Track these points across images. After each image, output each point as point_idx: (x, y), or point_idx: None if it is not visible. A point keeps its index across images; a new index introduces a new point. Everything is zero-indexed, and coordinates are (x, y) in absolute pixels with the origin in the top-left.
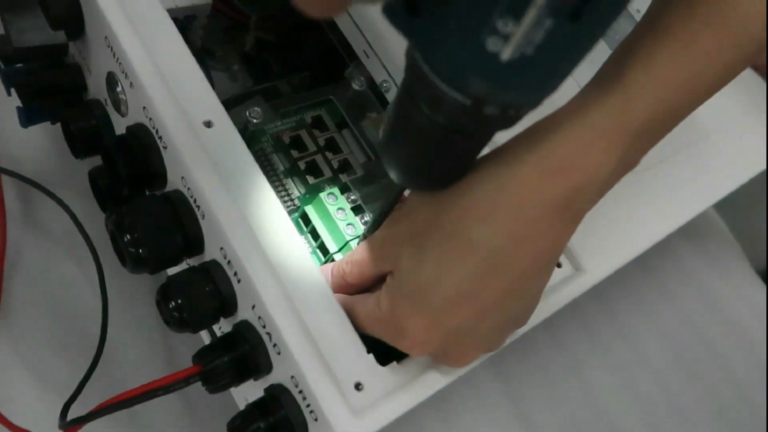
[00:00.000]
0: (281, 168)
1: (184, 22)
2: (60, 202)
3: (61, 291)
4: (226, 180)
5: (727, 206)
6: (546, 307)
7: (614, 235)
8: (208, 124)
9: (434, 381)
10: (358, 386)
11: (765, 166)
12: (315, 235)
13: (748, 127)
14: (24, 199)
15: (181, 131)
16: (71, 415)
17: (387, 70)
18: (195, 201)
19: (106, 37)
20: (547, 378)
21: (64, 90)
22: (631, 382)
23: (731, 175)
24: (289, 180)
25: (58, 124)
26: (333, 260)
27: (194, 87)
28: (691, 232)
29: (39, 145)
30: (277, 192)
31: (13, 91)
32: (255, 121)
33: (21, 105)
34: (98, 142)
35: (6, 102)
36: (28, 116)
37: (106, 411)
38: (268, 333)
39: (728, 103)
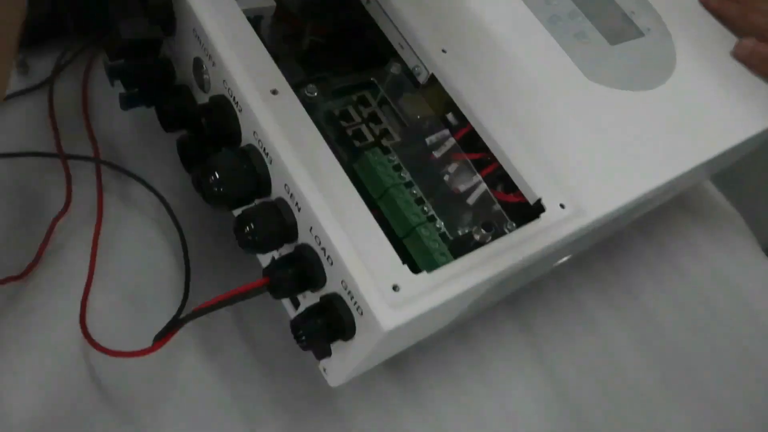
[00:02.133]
0: (332, 138)
1: (253, 20)
2: (148, 186)
3: (149, 252)
4: (289, 133)
5: (732, 187)
6: (544, 239)
7: (614, 177)
8: (274, 92)
9: (454, 287)
10: (395, 288)
11: None
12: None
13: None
14: (119, 180)
15: (253, 97)
16: None
17: (418, 58)
18: (264, 150)
19: (194, 29)
20: (565, 333)
21: (157, 79)
22: (645, 340)
23: (738, 127)
24: (340, 148)
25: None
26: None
27: (263, 64)
28: (698, 212)
29: (129, 136)
30: None
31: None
32: (310, 95)
33: (123, 92)
34: (185, 117)
35: (101, 104)
36: (128, 102)
37: (198, 314)
38: (322, 248)
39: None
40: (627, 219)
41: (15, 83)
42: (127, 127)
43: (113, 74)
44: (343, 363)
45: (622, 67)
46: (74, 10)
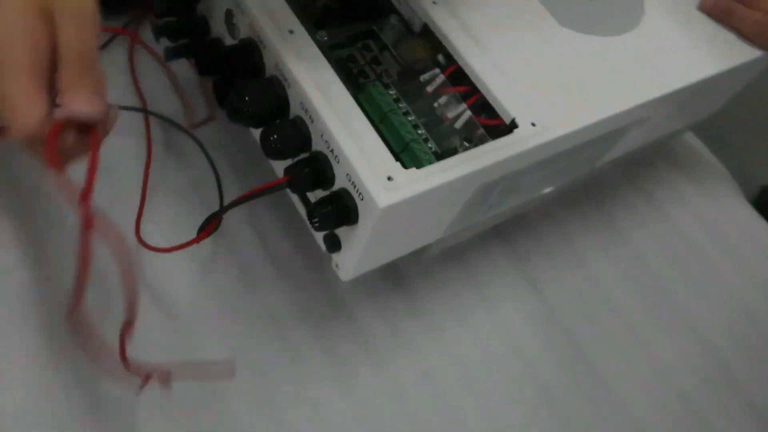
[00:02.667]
0: (341, 77)
1: None
2: (182, 128)
3: (191, 190)
4: (303, 63)
5: (717, 140)
6: (517, 147)
7: (580, 103)
8: (291, 32)
9: (437, 178)
10: (389, 178)
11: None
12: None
13: None
14: (165, 131)
15: (275, 36)
16: None
17: (412, 10)
18: (284, 77)
19: None
20: (555, 264)
21: (195, 32)
22: (629, 273)
23: (698, 67)
24: (347, 85)
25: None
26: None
27: (282, 11)
28: (684, 164)
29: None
30: None
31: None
32: (321, 39)
33: (168, 46)
34: (220, 61)
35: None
36: (172, 53)
37: (232, 205)
38: (331, 150)
39: None
40: (601, 150)
41: None
42: (164, 83)
43: (159, 32)
44: (351, 251)
45: (593, 16)
46: None
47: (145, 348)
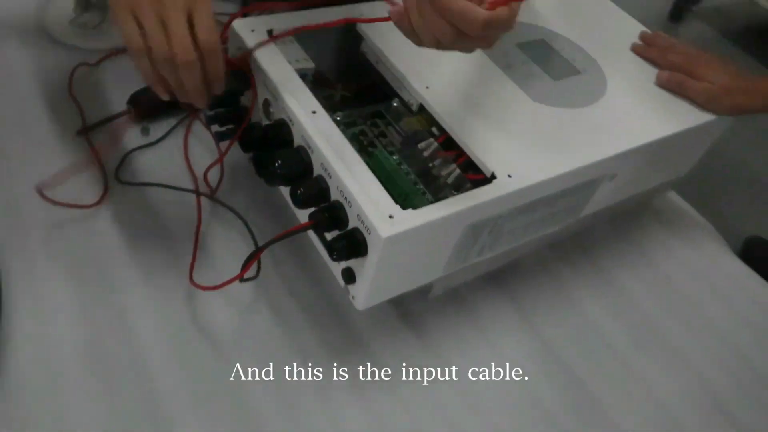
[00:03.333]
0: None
1: (302, 76)
2: (227, 206)
3: (231, 243)
4: (323, 135)
5: (700, 197)
6: (495, 191)
7: (549, 158)
8: (314, 112)
9: (430, 215)
10: (391, 216)
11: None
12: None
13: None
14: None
15: (301, 115)
16: None
17: (411, 94)
18: (309, 146)
19: (263, 81)
20: (549, 305)
21: (239, 118)
22: (621, 313)
23: (654, 128)
24: (360, 155)
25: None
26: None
27: (306, 96)
28: (672, 221)
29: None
30: None
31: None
32: (337, 119)
33: (217, 130)
34: (258, 139)
35: (197, 152)
36: (221, 137)
37: (268, 243)
38: (345, 197)
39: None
40: (578, 201)
41: (139, 141)
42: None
43: (211, 120)
44: (363, 281)
45: (562, 93)
46: None
47: (191, 370)
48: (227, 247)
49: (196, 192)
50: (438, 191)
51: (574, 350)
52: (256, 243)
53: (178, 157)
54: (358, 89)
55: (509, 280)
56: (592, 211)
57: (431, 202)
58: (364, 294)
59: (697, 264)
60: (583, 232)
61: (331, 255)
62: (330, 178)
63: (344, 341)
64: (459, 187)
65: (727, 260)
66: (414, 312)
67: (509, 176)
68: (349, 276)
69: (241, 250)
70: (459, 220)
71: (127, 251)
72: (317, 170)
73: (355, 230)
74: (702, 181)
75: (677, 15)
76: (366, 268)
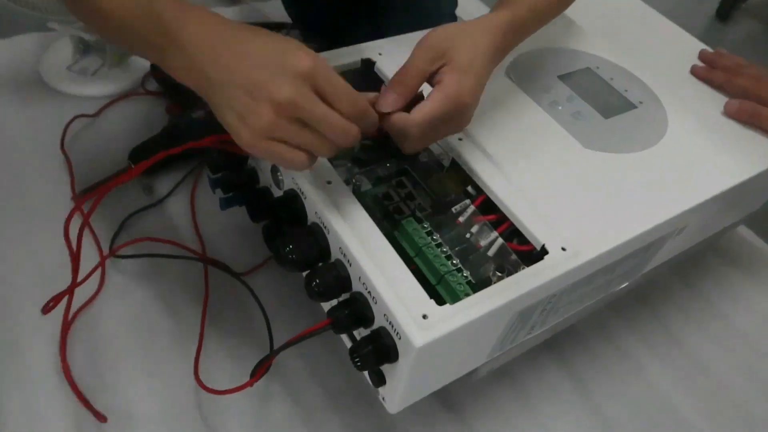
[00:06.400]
0: (378, 215)
1: None
2: (236, 275)
3: (246, 327)
4: (340, 211)
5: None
6: (549, 274)
7: (608, 224)
8: (329, 182)
9: (472, 312)
10: (424, 316)
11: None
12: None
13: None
14: (220, 275)
15: (314, 188)
16: None
17: (440, 146)
18: (324, 225)
19: None
20: (609, 376)
21: (246, 183)
22: (690, 381)
23: (730, 173)
24: (384, 221)
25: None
26: (409, 261)
27: (320, 163)
28: (737, 258)
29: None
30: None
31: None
32: (357, 183)
33: (222, 196)
34: (268, 209)
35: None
36: (226, 203)
37: (282, 348)
38: (368, 292)
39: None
40: (640, 262)
41: (142, 202)
42: (222, 228)
43: (214, 184)
44: (394, 386)
45: (615, 134)
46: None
47: None
48: (239, 325)
49: (204, 260)
50: (477, 266)
51: (640, 430)
52: (270, 335)
53: (185, 218)
54: (379, 136)
55: (563, 348)
56: (653, 266)
57: (470, 284)
58: (396, 398)
59: None
60: (642, 284)
61: (353, 362)
62: (350, 265)
63: (374, 430)
64: (503, 260)
65: None
66: (455, 395)
67: (563, 249)
68: (379, 378)
69: (256, 331)
70: (507, 311)
71: (129, 337)
72: (335, 254)
73: (383, 331)
74: None
75: (725, 13)
76: (397, 373)
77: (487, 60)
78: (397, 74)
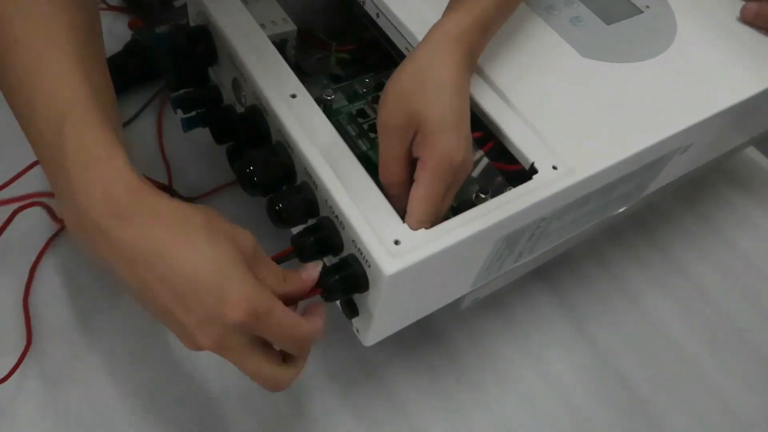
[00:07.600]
0: (353, 133)
1: (280, 44)
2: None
3: None
4: (306, 128)
5: None
6: (536, 195)
7: (605, 140)
8: (293, 96)
9: (449, 238)
10: (396, 242)
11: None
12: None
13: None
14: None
15: (277, 101)
16: None
17: None
18: (288, 143)
19: (229, 55)
20: (605, 306)
21: (210, 102)
22: (690, 310)
23: (744, 83)
24: (359, 140)
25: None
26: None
27: (284, 75)
28: (745, 182)
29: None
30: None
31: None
32: (327, 97)
33: (183, 117)
34: (232, 129)
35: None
36: (188, 124)
37: None
38: (336, 216)
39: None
40: (640, 184)
41: None
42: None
43: (175, 103)
44: (367, 317)
45: (618, 42)
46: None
47: None
48: None
49: (170, 190)
50: (461, 189)
51: (635, 361)
52: None
53: (151, 143)
54: (356, 49)
55: (556, 276)
56: (655, 189)
57: (452, 208)
58: (370, 331)
59: None
60: (642, 208)
61: (321, 293)
62: (316, 188)
63: (354, 370)
64: (488, 181)
65: None
66: (439, 326)
67: (554, 168)
68: (351, 308)
69: None
70: (490, 235)
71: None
72: (301, 176)
73: (352, 259)
74: None
75: None
76: (369, 304)
77: (459, 89)
78: (380, 170)
